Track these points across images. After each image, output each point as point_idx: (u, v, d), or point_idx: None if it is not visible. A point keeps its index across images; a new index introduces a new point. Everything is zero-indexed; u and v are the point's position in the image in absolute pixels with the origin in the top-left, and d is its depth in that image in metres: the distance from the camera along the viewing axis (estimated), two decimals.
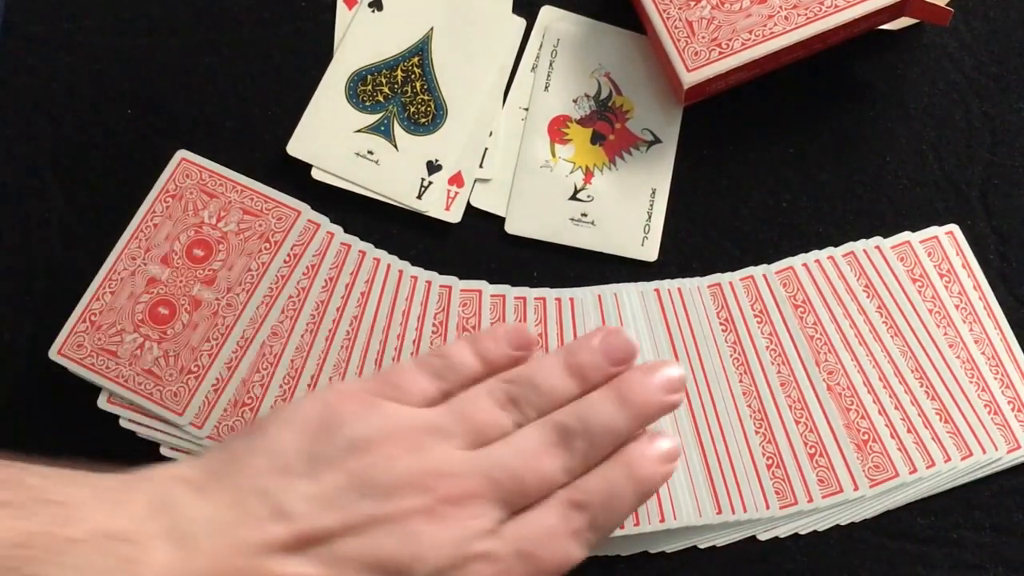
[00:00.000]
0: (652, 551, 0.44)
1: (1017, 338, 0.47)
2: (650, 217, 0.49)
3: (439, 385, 0.40)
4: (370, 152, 0.49)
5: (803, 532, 0.45)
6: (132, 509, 0.33)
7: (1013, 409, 0.46)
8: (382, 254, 0.47)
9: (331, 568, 0.34)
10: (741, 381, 0.46)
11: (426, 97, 0.50)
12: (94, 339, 0.44)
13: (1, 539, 0.30)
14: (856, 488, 0.44)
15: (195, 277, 0.46)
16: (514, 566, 0.36)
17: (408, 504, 0.35)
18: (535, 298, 0.47)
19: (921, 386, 0.46)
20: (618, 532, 0.43)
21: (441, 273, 0.47)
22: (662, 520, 0.43)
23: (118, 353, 0.44)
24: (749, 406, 0.46)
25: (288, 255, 0.46)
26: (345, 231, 0.47)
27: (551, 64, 0.51)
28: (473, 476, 0.36)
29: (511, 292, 0.47)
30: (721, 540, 0.44)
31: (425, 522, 0.35)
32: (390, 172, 0.49)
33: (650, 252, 0.48)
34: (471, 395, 0.39)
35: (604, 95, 0.51)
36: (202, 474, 0.36)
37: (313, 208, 0.47)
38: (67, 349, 0.44)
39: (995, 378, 0.47)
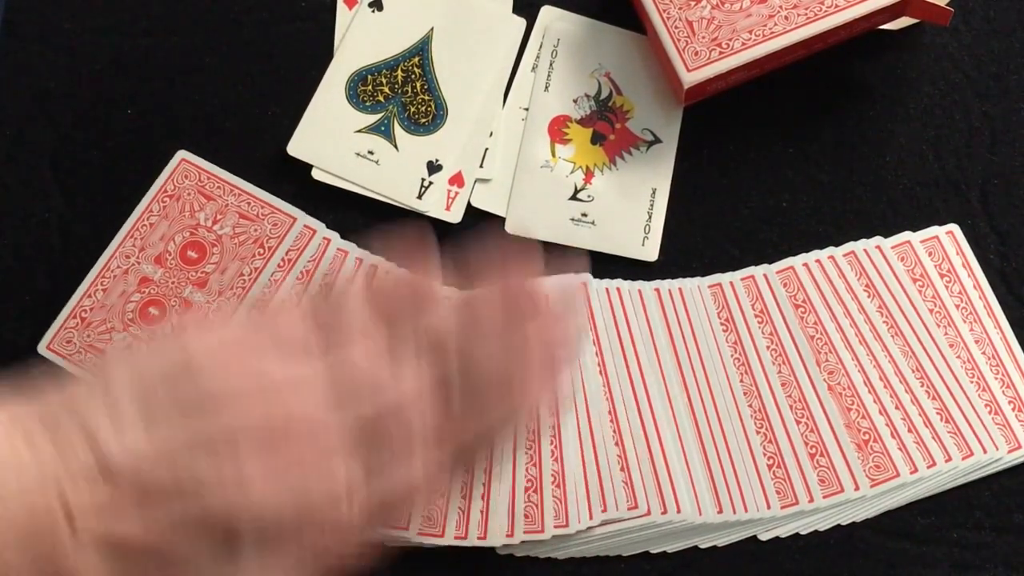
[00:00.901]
0: (653, 551, 0.44)
1: (1017, 338, 0.47)
2: (650, 217, 0.49)
3: (320, 337, 0.35)
4: (370, 152, 0.49)
5: (804, 532, 0.44)
6: None
7: (1013, 409, 0.46)
8: (379, 261, 0.47)
9: (151, 527, 0.32)
10: (742, 381, 0.46)
11: (426, 97, 0.50)
12: (83, 336, 0.44)
13: None
14: (857, 488, 0.44)
15: (187, 279, 0.46)
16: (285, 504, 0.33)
17: (245, 462, 0.32)
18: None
19: (922, 386, 0.46)
20: (620, 526, 0.43)
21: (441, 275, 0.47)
22: (664, 512, 0.43)
23: (106, 351, 0.44)
24: (750, 406, 0.46)
25: (282, 260, 0.46)
26: (345, 231, 0.47)
27: (551, 64, 0.51)
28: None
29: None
30: (722, 540, 0.44)
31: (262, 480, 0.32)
32: (390, 172, 0.49)
33: (650, 252, 0.48)
34: (348, 353, 0.35)
35: (604, 95, 0.51)
36: (34, 420, 0.33)
37: (313, 208, 0.47)
38: (56, 344, 0.44)
39: (995, 378, 0.46)
